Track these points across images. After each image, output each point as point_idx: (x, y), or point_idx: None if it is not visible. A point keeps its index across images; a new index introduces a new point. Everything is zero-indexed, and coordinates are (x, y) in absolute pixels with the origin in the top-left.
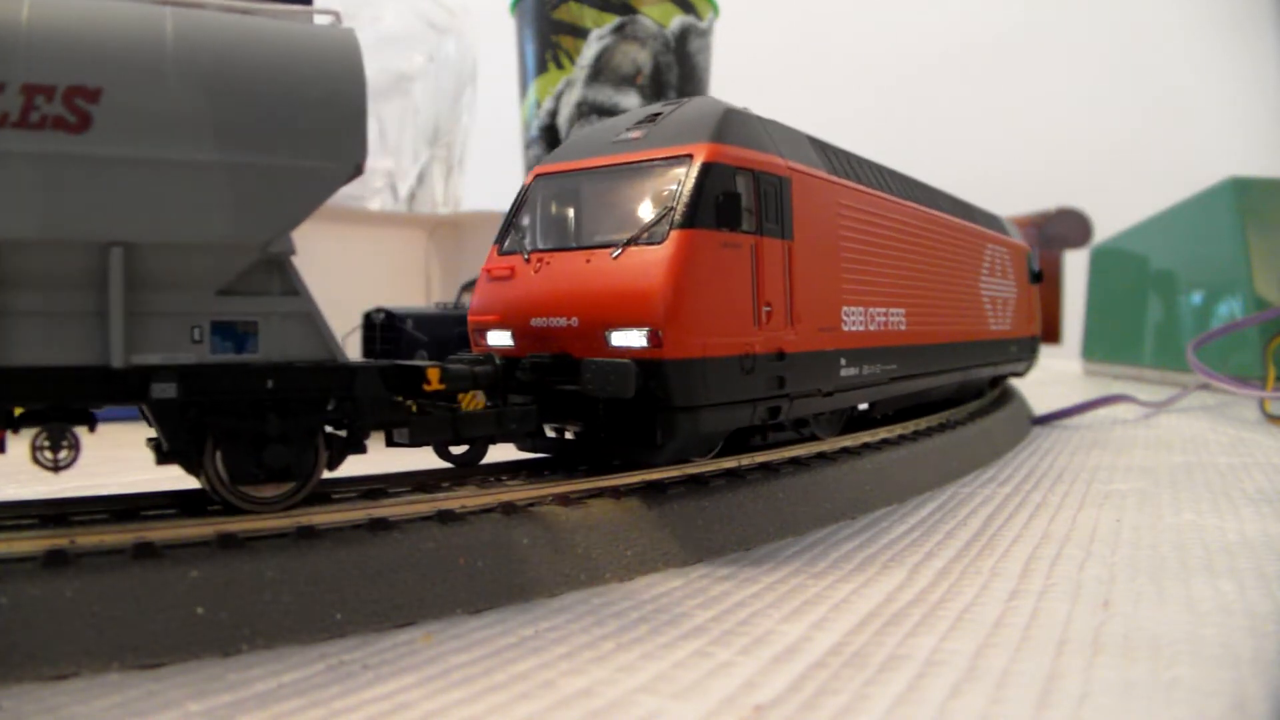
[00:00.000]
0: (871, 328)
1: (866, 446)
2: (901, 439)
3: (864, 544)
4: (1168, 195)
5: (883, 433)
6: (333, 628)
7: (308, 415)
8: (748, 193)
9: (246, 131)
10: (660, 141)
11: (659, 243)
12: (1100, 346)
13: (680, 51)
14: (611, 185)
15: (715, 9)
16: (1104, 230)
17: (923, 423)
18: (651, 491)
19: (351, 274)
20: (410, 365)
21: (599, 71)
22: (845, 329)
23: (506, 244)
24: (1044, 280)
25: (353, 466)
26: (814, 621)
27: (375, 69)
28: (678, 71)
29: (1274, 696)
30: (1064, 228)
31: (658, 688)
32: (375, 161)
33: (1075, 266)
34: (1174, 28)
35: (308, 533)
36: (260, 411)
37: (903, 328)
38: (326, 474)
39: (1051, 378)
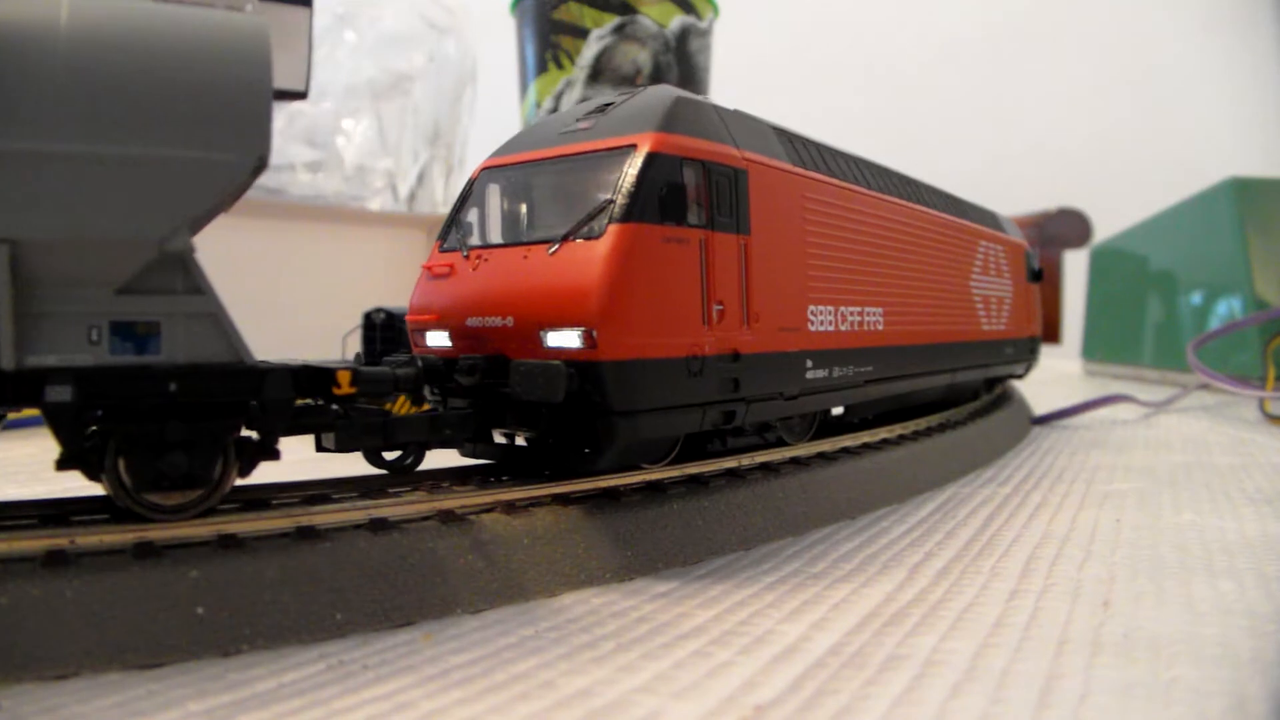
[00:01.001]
0: (843, 328)
1: (866, 446)
2: (901, 439)
3: (864, 544)
4: (1168, 195)
5: (883, 433)
6: (333, 628)
7: (213, 420)
8: (696, 185)
9: (138, 122)
10: (606, 132)
11: (596, 237)
12: (1100, 346)
13: (680, 51)
14: (553, 178)
15: (715, 9)
16: (1104, 230)
17: (923, 423)
18: (651, 492)
19: (352, 273)
20: (321, 367)
21: (599, 72)
22: (812, 329)
23: (448, 240)
24: (1044, 280)
25: (354, 467)
26: (814, 621)
27: (375, 69)
28: (678, 71)
29: (1274, 696)
30: (1064, 228)
31: (658, 688)
32: (375, 161)
33: (1075, 266)
34: (1174, 28)
35: (308, 533)
36: (162, 416)
37: (880, 328)
38: (245, 480)
39: (1051, 378)
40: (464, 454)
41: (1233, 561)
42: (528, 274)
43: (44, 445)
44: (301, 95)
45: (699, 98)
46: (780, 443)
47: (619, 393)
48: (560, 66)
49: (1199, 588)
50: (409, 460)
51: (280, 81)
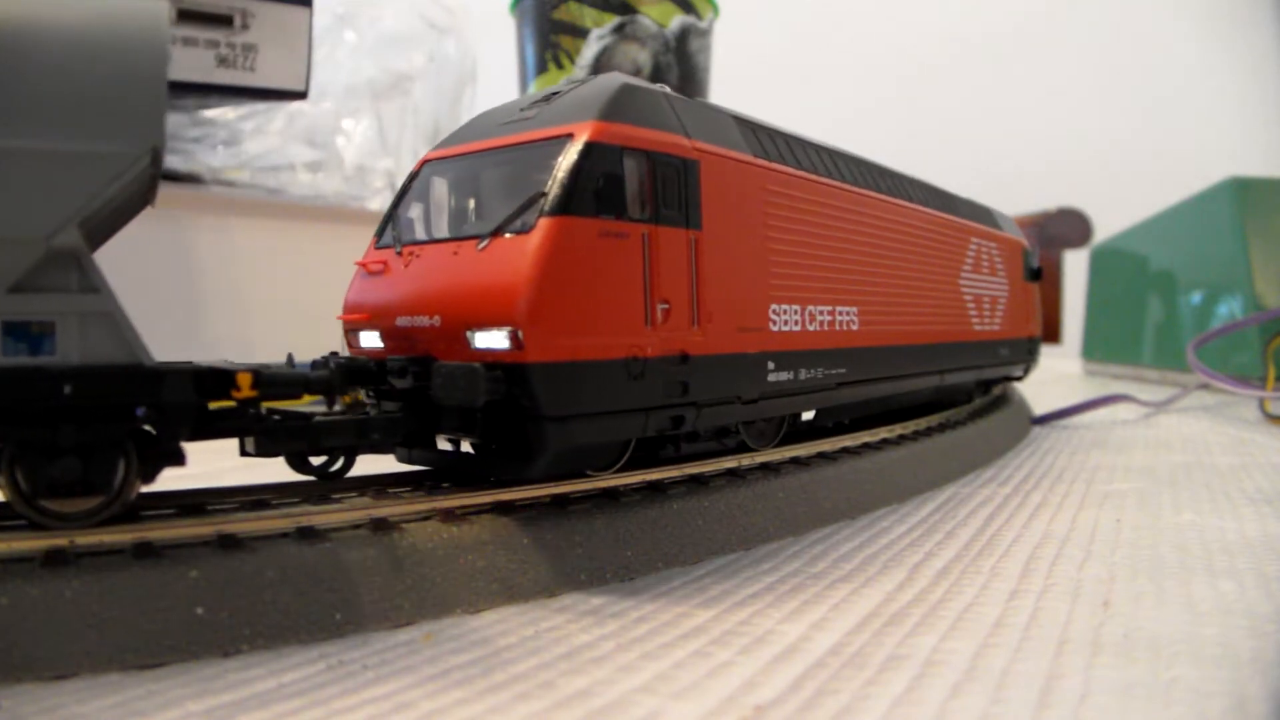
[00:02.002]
0: (811, 328)
1: (866, 446)
2: (901, 439)
3: (864, 544)
4: (1168, 195)
5: (883, 432)
6: (333, 628)
7: (109, 424)
8: (639, 176)
9: (19, 114)
10: (546, 122)
11: (526, 232)
12: (1100, 346)
13: (680, 51)
14: (488, 170)
15: (715, 9)
16: (1104, 230)
17: (922, 423)
18: (651, 493)
19: (352, 273)
20: (222, 369)
21: (599, 71)
22: (774, 329)
23: (384, 236)
24: (1044, 280)
25: (360, 466)
26: (814, 621)
27: (375, 69)
28: (678, 71)
29: (1274, 696)
30: (1064, 228)
31: (657, 688)
32: (375, 161)
33: (1075, 266)
34: (1174, 28)
35: (308, 533)
36: (56, 420)
37: (854, 328)
38: (147, 488)
39: (1051, 378)
40: (400, 460)
41: (1233, 561)
42: (455, 271)
43: None
44: (301, 95)
45: (650, 85)
46: (743, 448)
47: (549, 396)
48: (560, 66)
49: (1199, 588)
50: (338, 466)
51: (280, 81)
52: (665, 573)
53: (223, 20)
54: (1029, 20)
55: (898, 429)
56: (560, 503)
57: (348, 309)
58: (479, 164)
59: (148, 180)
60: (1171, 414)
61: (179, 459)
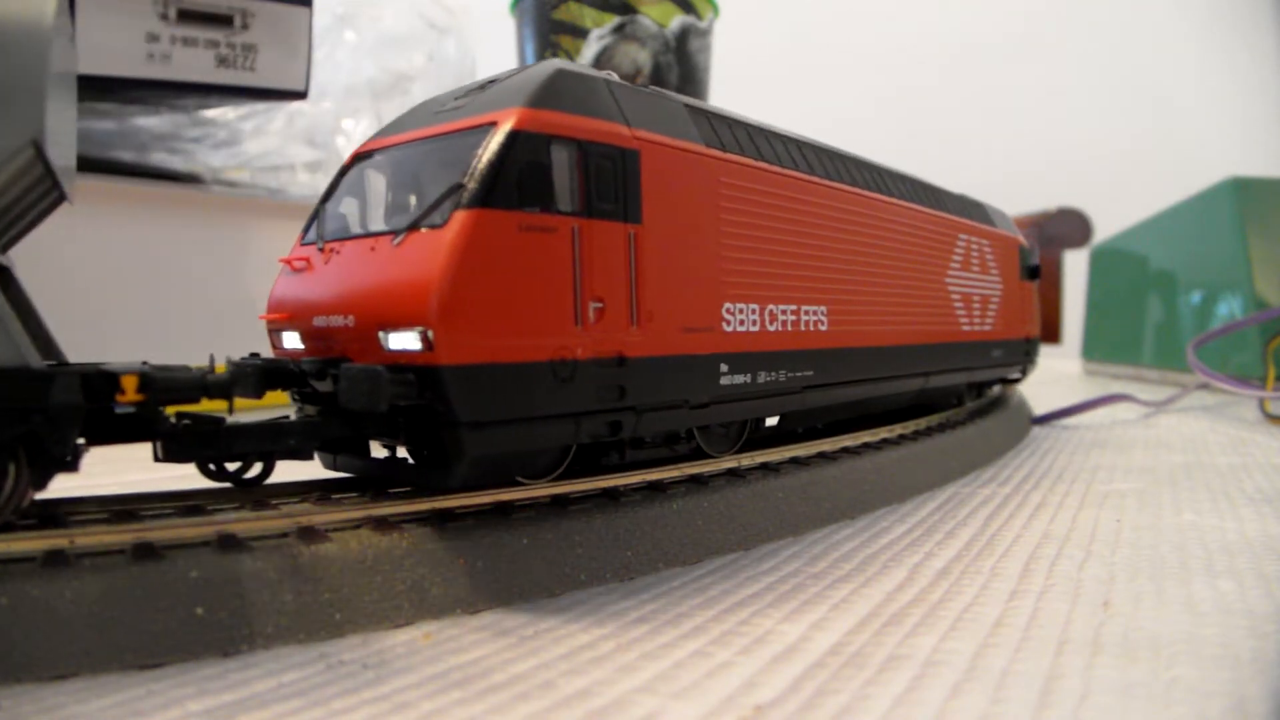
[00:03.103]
0: (772, 328)
1: (866, 446)
2: (901, 439)
3: (864, 544)
4: (1168, 195)
5: (883, 432)
6: (333, 628)
7: None
8: (568, 166)
9: None
10: (474, 110)
11: (440, 226)
12: (1100, 346)
13: (680, 51)
14: (412, 162)
15: (715, 9)
16: (1104, 230)
17: (922, 423)
18: (651, 493)
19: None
20: (109, 371)
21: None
22: (728, 329)
23: (310, 232)
24: (1044, 280)
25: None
26: (814, 621)
27: (375, 69)
28: (678, 71)
29: (1274, 696)
30: (1064, 228)
31: (657, 688)
32: None
33: (1075, 266)
34: (1174, 28)
35: (307, 533)
36: None
37: (823, 328)
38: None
39: (1051, 378)
40: (325, 466)
41: (1233, 561)
42: (369, 268)
43: None
44: (301, 95)
45: (591, 71)
46: (699, 454)
47: (464, 401)
48: None
49: (1199, 588)
50: (258, 473)
51: (280, 81)
52: (665, 573)
53: (223, 20)
54: (1029, 20)
55: (898, 429)
56: (560, 502)
57: (270, 308)
58: (403, 155)
59: (41, 175)
60: (1171, 414)
61: (71, 465)
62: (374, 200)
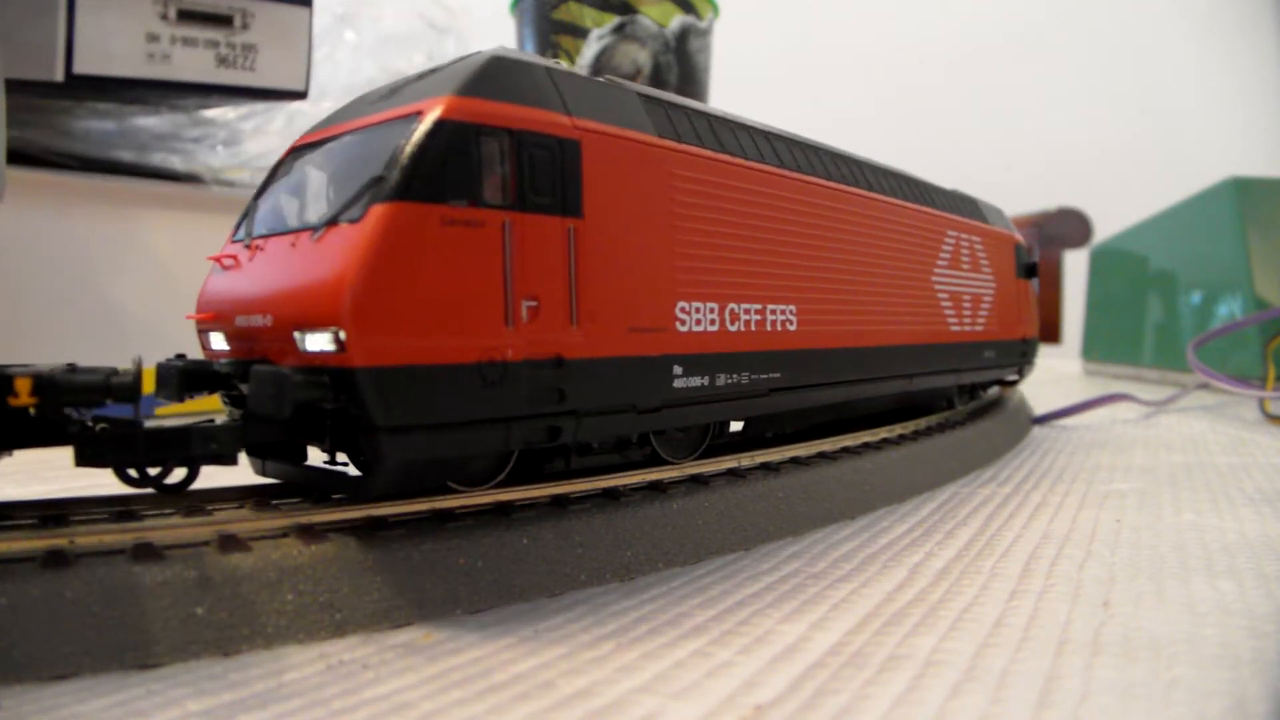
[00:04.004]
0: (733, 328)
1: (866, 446)
2: (902, 439)
3: (864, 544)
4: (1168, 195)
5: (883, 432)
6: (333, 627)
7: None
8: (499, 157)
9: None
10: (404, 100)
11: (357, 220)
12: (1100, 346)
13: (680, 51)
14: (338, 155)
15: (715, 9)
16: (1104, 230)
17: (922, 423)
18: (651, 493)
19: None
20: (3, 374)
21: (599, 71)
22: (682, 329)
23: (240, 229)
24: (1044, 280)
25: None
26: (814, 621)
27: (375, 69)
28: (678, 71)
29: (1274, 696)
30: (1064, 228)
31: (657, 688)
32: None
33: (1075, 266)
34: (1174, 28)
35: (306, 532)
36: None
37: (792, 328)
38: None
39: (1051, 378)
40: (256, 472)
41: (1233, 561)
42: (288, 266)
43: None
44: (301, 95)
45: (531, 58)
46: (656, 460)
47: (381, 405)
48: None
49: (1199, 588)
50: (180, 480)
51: (280, 81)
52: (665, 573)
53: (223, 20)
54: (1029, 21)
55: (898, 429)
56: (560, 503)
57: (198, 307)
58: (332, 148)
59: None
60: (1171, 414)
61: None
62: (300, 195)
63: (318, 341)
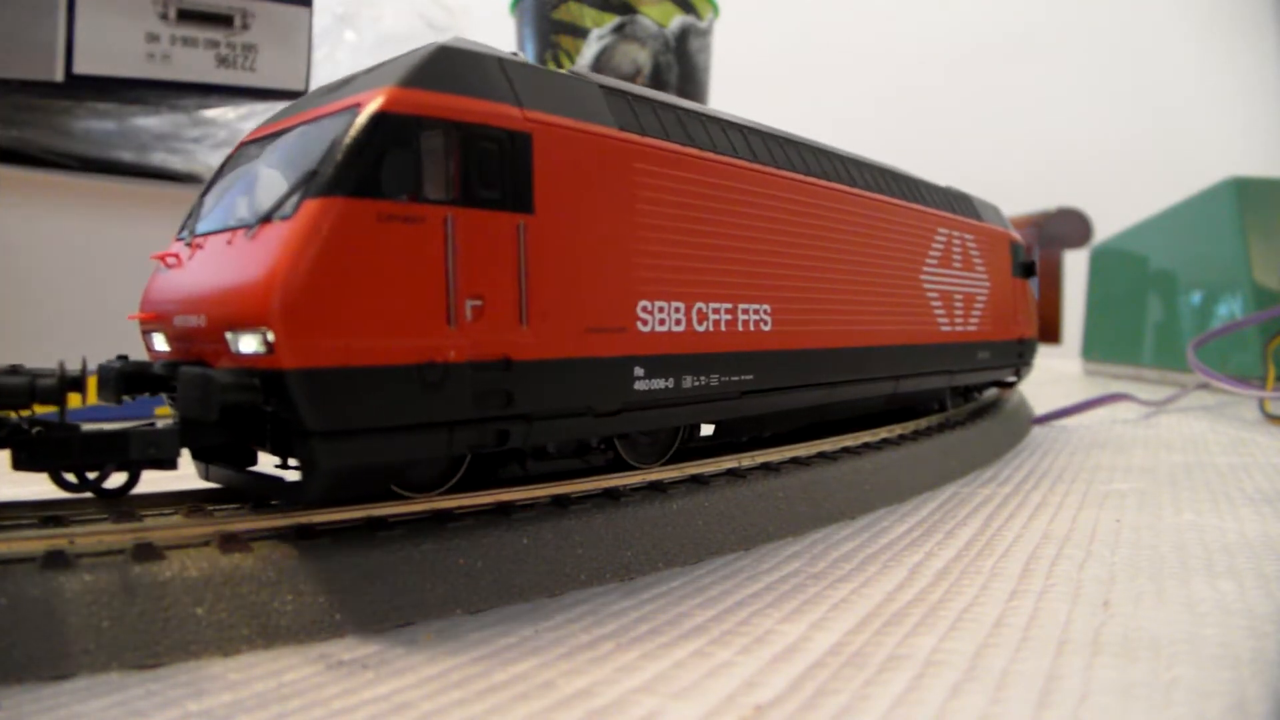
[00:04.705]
0: (701, 328)
1: (867, 446)
2: (902, 439)
3: (864, 544)
4: (1168, 195)
5: (883, 432)
6: (333, 628)
7: None
8: (442, 150)
9: None
10: (348, 93)
11: (289, 217)
12: (1100, 346)
13: (680, 51)
14: (279, 150)
15: (715, 9)
16: (1104, 230)
17: (923, 423)
18: (651, 493)
19: None
20: None
21: (599, 71)
22: (644, 329)
23: (185, 226)
24: (1044, 280)
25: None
26: (814, 621)
27: None
28: (678, 71)
29: (1274, 696)
30: (1064, 228)
31: (657, 688)
32: None
33: (1075, 266)
34: (1174, 28)
35: (306, 532)
36: None
37: (766, 328)
38: None
39: (1051, 378)
40: (200, 476)
41: (1233, 561)
42: (222, 264)
43: None
44: (302, 95)
45: (483, 49)
46: (620, 465)
47: (312, 409)
48: (560, 66)
49: (1199, 588)
50: (121, 484)
51: (280, 81)
52: (665, 572)
53: (223, 20)
54: (1029, 21)
55: (897, 429)
56: (561, 503)
57: (141, 307)
58: (274, 143)
59: None
60: (1171, 414)
61: None
62: (241, 191)
63: (248, 343)
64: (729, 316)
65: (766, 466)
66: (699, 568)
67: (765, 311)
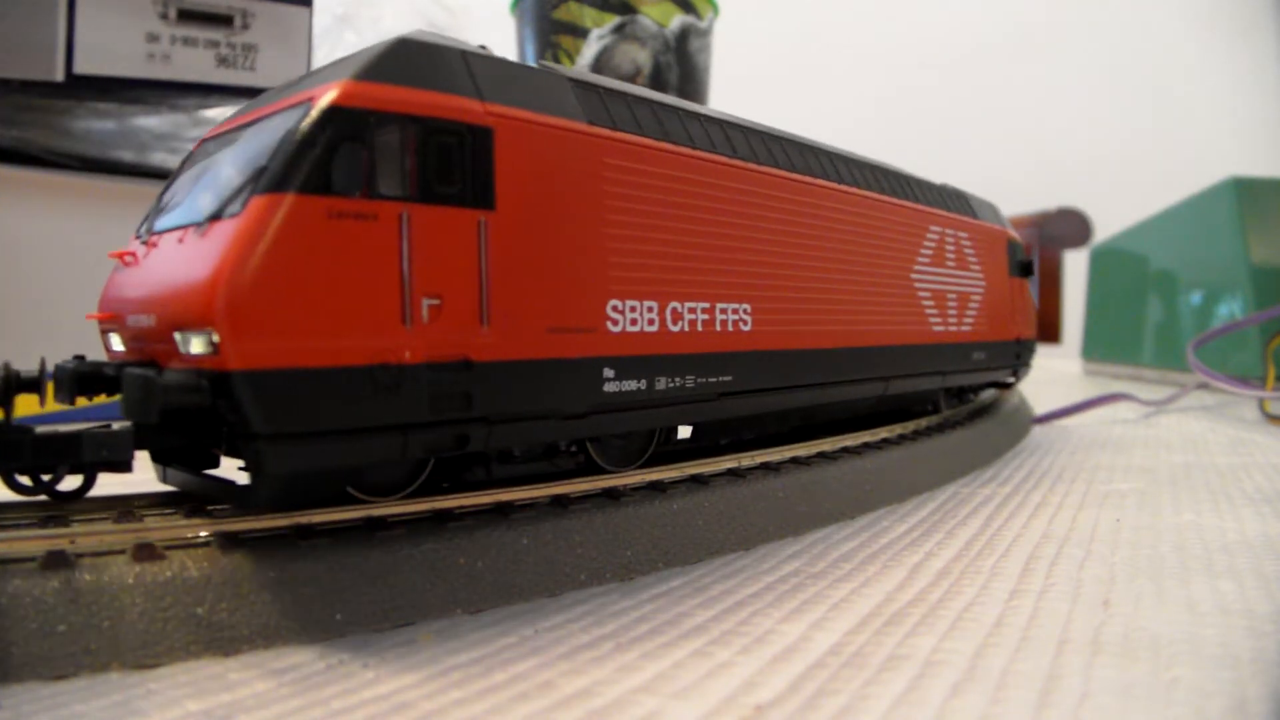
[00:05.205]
0: (675, 328)
1: (867, 446)
2: (902, 439)
3: (864, 544)
4: (1168, 195)
5: (883, 433)
6: (333, 628)
7: None
8: (398, 145)
9: None
10: (305, 87)
11: (236, 215)
12: (1100, 346)
13: (680, 51)
14: (235, 146)
15: (715, 9)
16: (1104, 230)
17: (923, 423)
18: (651, 493)
19: None
20: None
21: (599, 72)
22: (614, 329)
23: (144, 224)
24: (1044, 280)
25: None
26: (814, 621)
27: None
28: (678, 71)
29: (1274, 696)
30: (1064, 228)
31: (657, 688)
32: None
33: (1075, 266)
34: (1174, 28)
35: (307, 533)
36: None
37: (746, 328)
38: None
39: (1051, 378)
40: (159, 479)
41: (1233, 561)
42: (172, 263)
43: None
44: None
45: (445, 41)
46: (593, 469)
47: (259, 411)
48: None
49: (1199, 588)
50: (76, 487)
51: (280, 82)
52: (665, 572)
53: (223, 20)
54: (1029, 21)
55: (897, 429)
56: (560, 503)
57: (99, 306)
58: (231, 139)
59: None
60: (1171, 414)
61: None
62: (196, 188)
63: (195, 344)
64: (706, 316)
65: (766, 466)
66: (699, 568)
67: (745, 311)
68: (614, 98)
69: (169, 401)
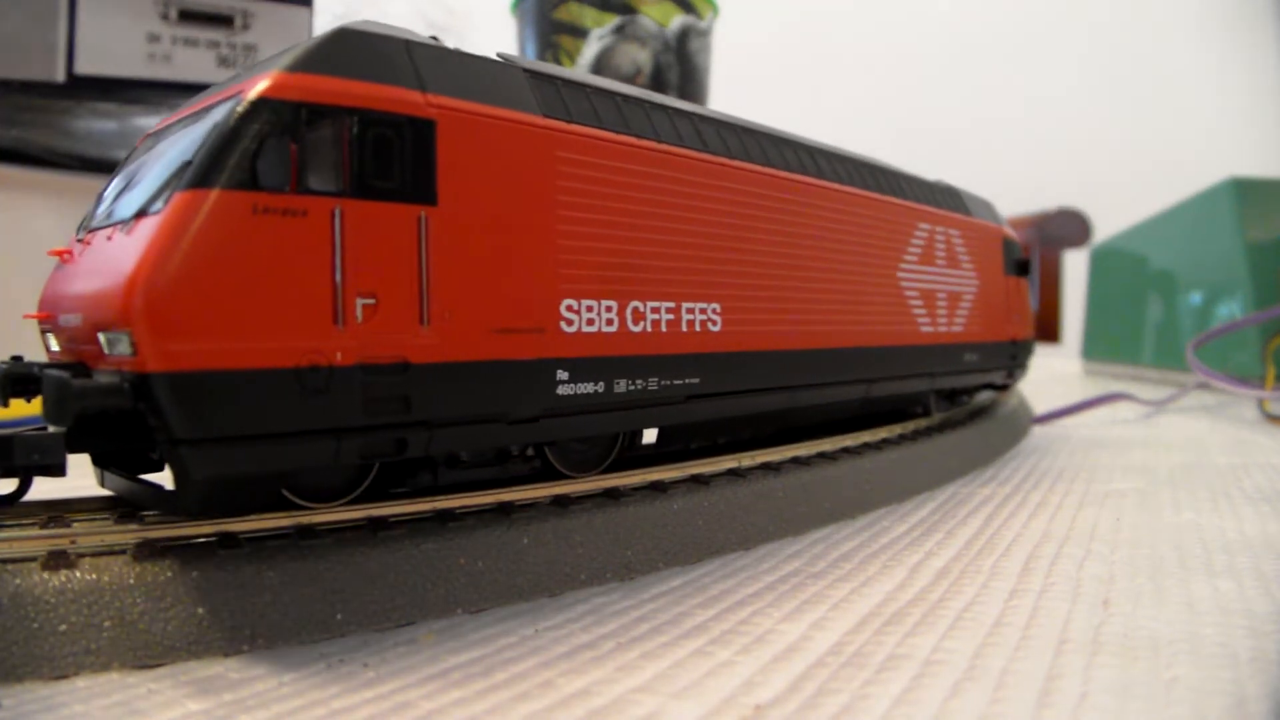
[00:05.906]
0: (636, 329)
1: (867, 446)
2: (901, 439)
3: (864, 544)
4: (1168, 195)
5: (883, 432)
6: (333, 628)
7: None
8: (330, 138)
9: None
10: (239, 79)
11: (159, 212)
12: (1100, 346)
13: (680, 51)
14: (168, 142)
15: (715, 9)
16: (1104, 230)
17: (923, 423)
18: (651, 493)
19: None
20: None
21: (599, 72)
22: (569, 330)
23: (83, 223)
24: (1044, 280)
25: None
26: (814, 621)
27: None
28: (678, 71)
29: (1273, 695)
30: (1064, 228)
31: (657, 687)
32: None
33: (1075, 266)
34: (1174, 28)
35: (307, 533)
36: None
37: (715, 329)
38: None
39: (1051, 378)
40: (99, 483)
41: (1232, 561)
42: (99, 261)
43: None
44: None
45: (388, 31)
46: (551, 474)
47: (180, 415)
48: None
49: (1199, 587)
50: (13, 490)
51: None
52: (665, 572)
53: (223, 20)
54: (1029, 20)
55: (897, 429)
56: (560, 502)
57: (39, 306)
58: (166, 135)
59: None
60: (1171, 413)
61: None
62: (130, 185)
63: (117, 344)
64: (671, 316)
65: (766, 466)
66: (699, 567)
67: (714, 311)
68: (572, 89)
69: (87, 405)
